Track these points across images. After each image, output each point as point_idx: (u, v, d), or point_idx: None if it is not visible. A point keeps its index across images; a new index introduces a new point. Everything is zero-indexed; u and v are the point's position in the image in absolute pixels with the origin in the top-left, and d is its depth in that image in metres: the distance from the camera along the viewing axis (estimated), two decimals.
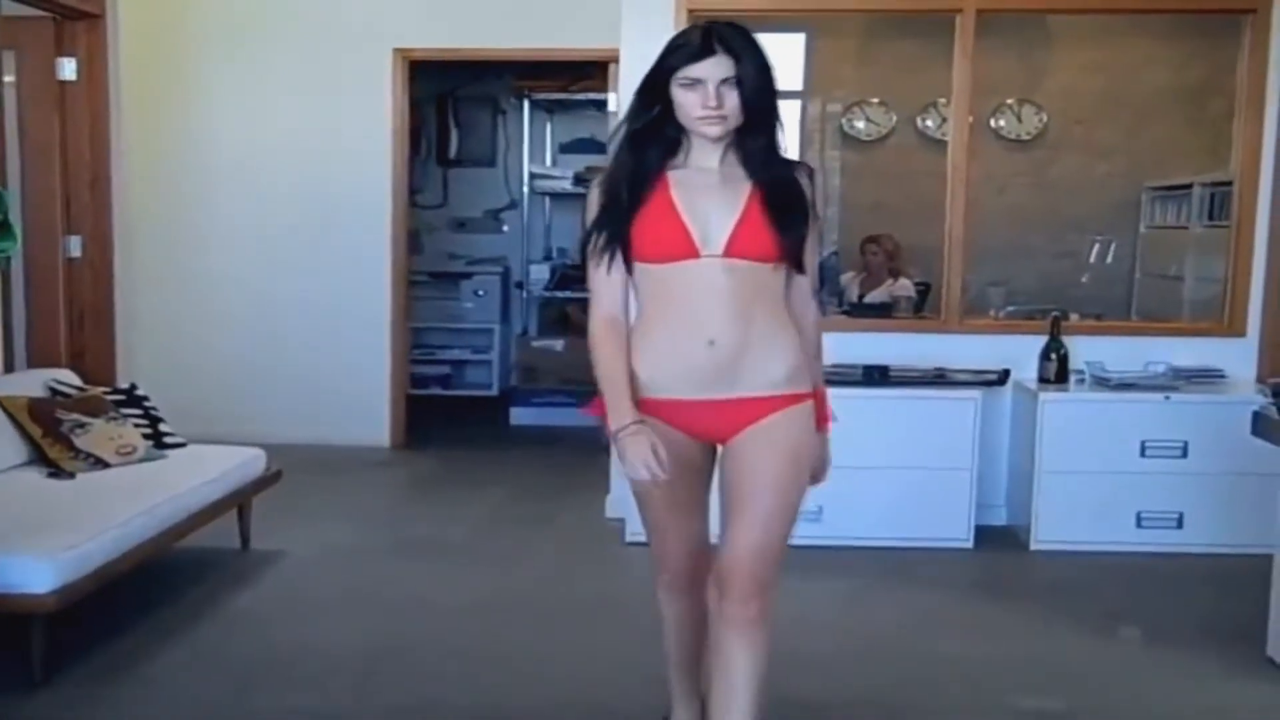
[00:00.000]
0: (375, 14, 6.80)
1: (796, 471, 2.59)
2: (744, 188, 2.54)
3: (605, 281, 2.59)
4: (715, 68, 2.45)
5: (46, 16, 5.16)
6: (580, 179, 8.14)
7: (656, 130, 2.55)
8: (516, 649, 3.86)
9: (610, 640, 3.90)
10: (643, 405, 2.55)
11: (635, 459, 2.48)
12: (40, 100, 5.22)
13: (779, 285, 2.59)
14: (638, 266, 2.56)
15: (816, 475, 2.73)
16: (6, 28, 4.81)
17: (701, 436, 2.63)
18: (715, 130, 2.50)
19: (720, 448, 2.65)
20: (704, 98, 2.46)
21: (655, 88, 2.52)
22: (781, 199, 2.54)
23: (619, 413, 2.52)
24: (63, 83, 5.23)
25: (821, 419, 2.69)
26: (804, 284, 2.66)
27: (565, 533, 5.22)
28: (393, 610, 4.22)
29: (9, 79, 5.22)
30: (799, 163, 2.65)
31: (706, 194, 2.53)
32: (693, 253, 2.50)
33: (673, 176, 2.56)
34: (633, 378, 2.56)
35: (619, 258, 2.55)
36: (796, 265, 2.58)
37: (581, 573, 4.70)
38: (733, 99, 2.46)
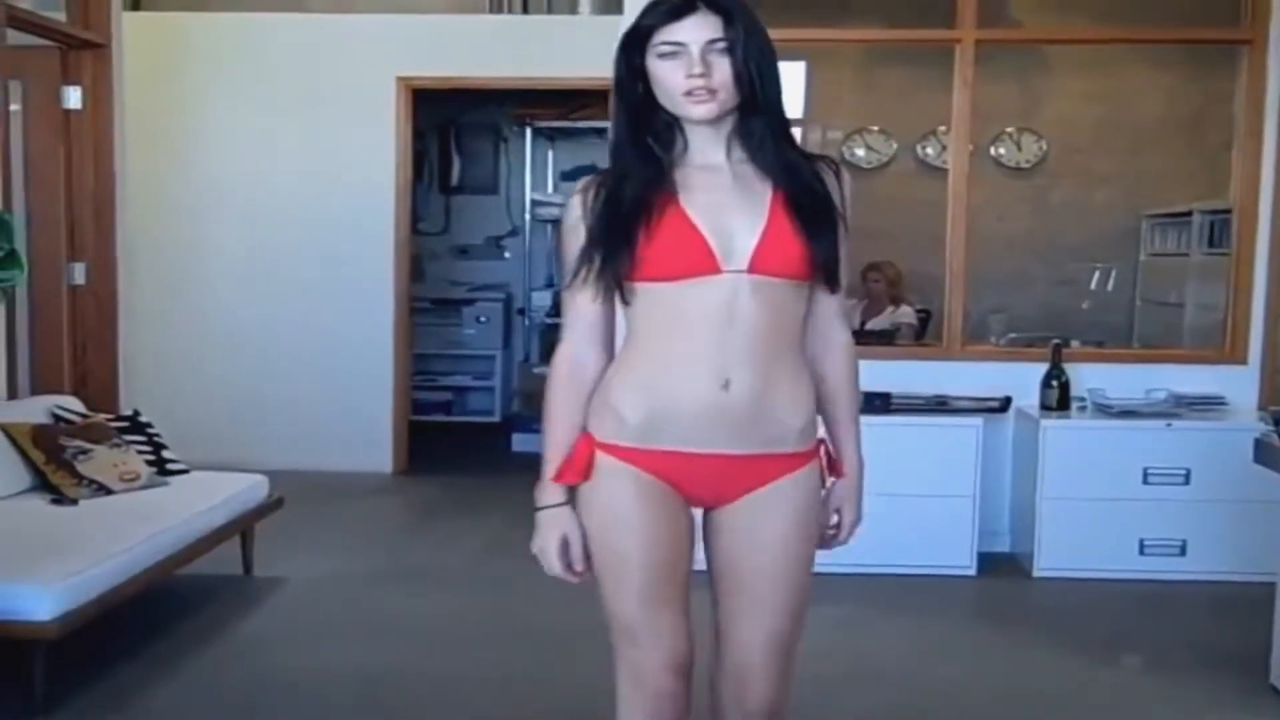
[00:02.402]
0: (379, 43, 6.85)
1: (813, 542, 2.20)
2: (764, 189, 2.06)
3: (589, 309, 2.10)
4: (699, 27, 1.99)
5: (52, 46, 5.21)
6: None
7: (650, 119, 2.10)
8: (516, 675, 3.85)
9: (609, 667, 3.89)
10: (632, 456, 2.08)
11: (541, 548, 2.20)
12: (45, 129, 5.27)
13: (804, 311, 2.13)
14: (638, 289, 2.05)
15: (841, 535, 2.29)
16: (13, 57, 4.83)
17: (697, 499, 2.14)
18: (705, 109, 2.01)
19: (704, 512, 2.18)
20: (688, 65, 1.99)
21: (633, 61, 2.08)
22: (808, 202, 2.07)
23: (549, 486, 2.14)
24: (68, 111, 5.27)
25: (835, 468, 2.26)
26: (834, 304, 2.18)
27: None
28: (393, 636, 4.21)
29: (15, 107, 5.25)
30: (822, 156, 2.18)
31: (719, 196, 2.05)
32: (713, 268, 2.01)
33: (673, 177, 2.09)
34: (620, 421, 2.09)
35: (613, 283, 2.06)
36: (830, 281, 2.11)
37: (580, 599, 4.66)
38: (723, 68, 1.99)
